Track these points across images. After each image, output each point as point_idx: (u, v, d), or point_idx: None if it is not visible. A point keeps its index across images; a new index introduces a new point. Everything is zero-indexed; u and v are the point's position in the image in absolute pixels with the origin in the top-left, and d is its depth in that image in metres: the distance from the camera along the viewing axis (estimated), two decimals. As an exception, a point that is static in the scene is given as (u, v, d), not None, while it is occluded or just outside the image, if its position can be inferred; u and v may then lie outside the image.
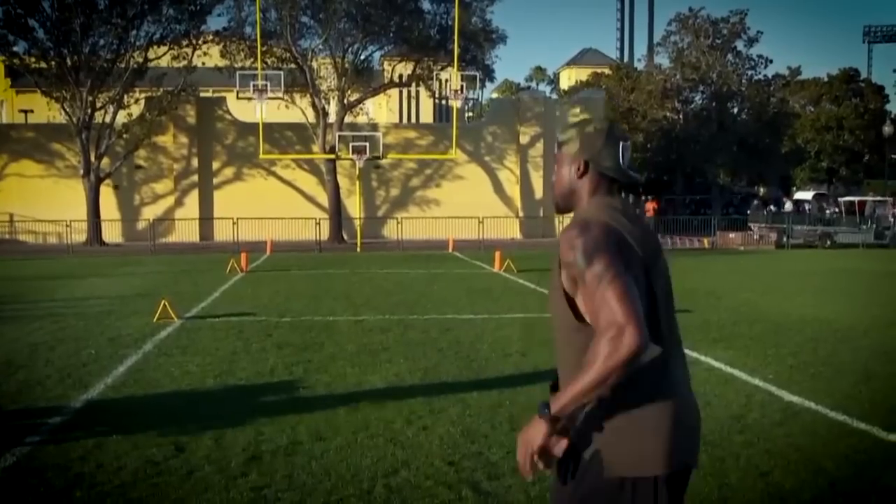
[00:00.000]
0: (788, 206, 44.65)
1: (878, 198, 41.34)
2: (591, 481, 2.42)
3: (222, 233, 36.21)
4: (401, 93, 54.22)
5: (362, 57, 40.06)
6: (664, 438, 2.41)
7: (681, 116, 51.41)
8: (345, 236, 37.85)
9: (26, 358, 9.40)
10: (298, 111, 38.89)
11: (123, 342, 10.45)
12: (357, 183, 37.47)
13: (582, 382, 2.29)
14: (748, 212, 43.53)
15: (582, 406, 2.38)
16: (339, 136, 36.81)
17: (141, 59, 36.38)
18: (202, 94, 42.06)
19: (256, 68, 34.93)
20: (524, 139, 43.78)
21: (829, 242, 34.97)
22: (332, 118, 38.66)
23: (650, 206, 37.95)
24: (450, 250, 31.32)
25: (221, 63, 38.36)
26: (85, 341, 10.50)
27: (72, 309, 13.91)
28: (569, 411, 2.36)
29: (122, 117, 37.05)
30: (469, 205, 39.22)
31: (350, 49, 38.46)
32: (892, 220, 37.30)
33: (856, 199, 40.82)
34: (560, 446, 2.40)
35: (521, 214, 42.80)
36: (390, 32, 38.61)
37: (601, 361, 2.26)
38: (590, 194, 2.62)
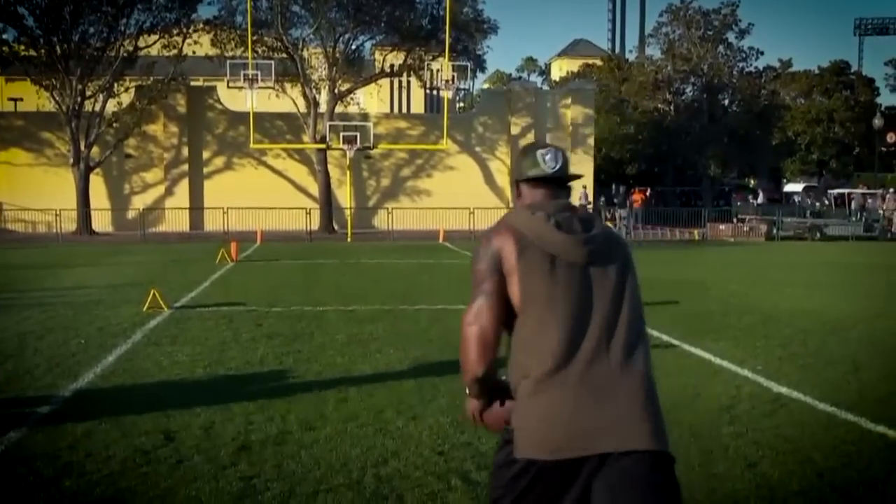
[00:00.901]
0: (761, 198, 44.74)
1: (868, 190, 41.45)
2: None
3: (212, 222, 36.12)
4: (392, 83, 54.08)
5: (353, 46, 39.97)
6: (532, 430, 2.67)
7: (672, 108, 51.45)
8: (335, 226, 37.78)
9: (15, 347, 9.37)
10: (289, 101, 38.77)
11: (113, 331, 10.42)
12: (348, 173, 37.40)
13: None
14: (738, 204, 43.62)
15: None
16: (330, 126, 36.70)
17: (131, 48, 36.19)
18: (192, 84, 41.87)
19: (247, 57, 34.80)
20: (515, 130, 43.74)
21: (818, 235, 35.06)
22: (322, 108, 38.53)
23: (637, 197, 37.92)
24: (440, 241, 31.31)
25: (212, 52, 38.19)
26: (74, 330, 10.46)
27: (61, 298, 13.87)
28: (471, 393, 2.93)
29: (111, 106, 36.85)
30: (460, 195, 39.15)
31: (341, 38, 38.31)
32: (881, 212, 37.42)
33: (846, 191, 40.94)
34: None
35: (511, 205, 42.63)
36: (381, 22, 38.50)
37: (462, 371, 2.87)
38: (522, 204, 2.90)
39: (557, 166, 2.88)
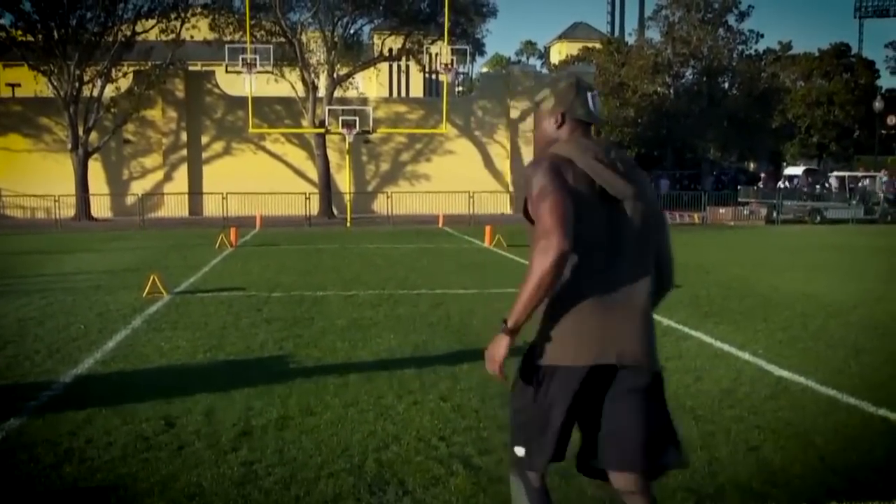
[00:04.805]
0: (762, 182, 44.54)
1: (868, 173, 41.33)
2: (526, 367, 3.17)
3: (211, 208, 36.09)
4: (391, 67, 53.94)
5: (352, 30, 39.89)
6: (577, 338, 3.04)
7: (671, 91, 51.35)
8: (335, 211, 37.77)
9: (14, 333, 9.36)
10: (288, 85, 38.66)
11: (112, 317, 10.40)
12: (347, 157, 37.36)
13: (525, 292, 2.87)
14: (738, 187, 43.51)
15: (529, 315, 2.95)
16: (329, 111, 36.65)
17: (129, 33, 36.07)
18: (191, 68, 41.77)
19: (245, 42, 34.67)
20: (514, 113, 43.64)
21: (818, 218, 35.04)
22: (321, 92, 38.44)
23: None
24: (440, 225, 31.28)
25: (210, 37, 38.06)
26: (74, 316, 10.45)
27: (60, 284, 13.85)
28: (522, 321, 2.97)
29: (110, 91, 36.75)
30: (459, 179, 39.10)
31: (340, 22, 38.19)
32: (881, 195, 37.34)
33: (846, 174, 40.85)
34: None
35: (511, 189, 42.74)
36: (380, 5, 38.38)
37: (535, 268, 2.83)
38: (568, 138, 3.16)
39: (597, 113, 3.22)
